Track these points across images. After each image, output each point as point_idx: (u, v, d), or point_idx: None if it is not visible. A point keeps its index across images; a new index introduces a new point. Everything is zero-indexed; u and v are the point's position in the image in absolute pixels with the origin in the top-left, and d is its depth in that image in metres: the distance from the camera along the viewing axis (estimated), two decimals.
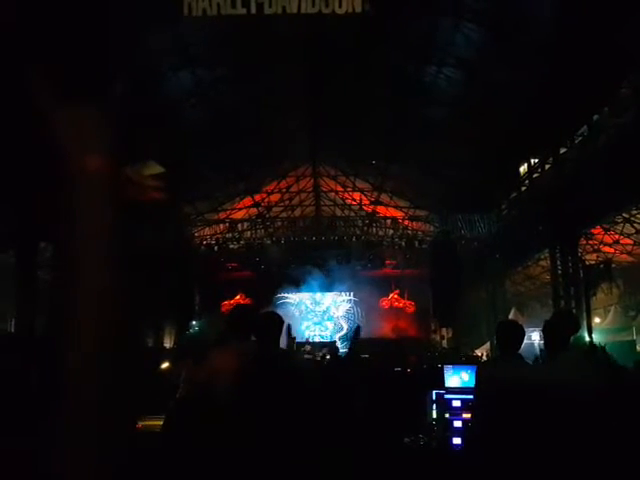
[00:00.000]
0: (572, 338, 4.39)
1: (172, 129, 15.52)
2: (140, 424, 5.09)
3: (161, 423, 4.73)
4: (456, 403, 5.81)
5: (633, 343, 17.30)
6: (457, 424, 5.71)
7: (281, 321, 4.02)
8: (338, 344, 23.43)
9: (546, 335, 4.17)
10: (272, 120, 18.39)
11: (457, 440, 5.58)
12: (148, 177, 2.05)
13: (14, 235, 13.55)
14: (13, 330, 15.85)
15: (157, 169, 2.08)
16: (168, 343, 22.11)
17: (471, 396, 4.76)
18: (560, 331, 4.18)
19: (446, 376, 6.06)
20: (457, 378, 6.01)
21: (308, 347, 19.44)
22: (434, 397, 6.05)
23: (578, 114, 13.76)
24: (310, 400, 3.48)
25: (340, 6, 9.37)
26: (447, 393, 5.96)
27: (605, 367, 4.90)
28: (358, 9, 9.39)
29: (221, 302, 23.51)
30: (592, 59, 11.29)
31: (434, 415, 6.05)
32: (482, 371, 4.30)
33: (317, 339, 23.43)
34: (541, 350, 16.91)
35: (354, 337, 18.91)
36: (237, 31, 13.07)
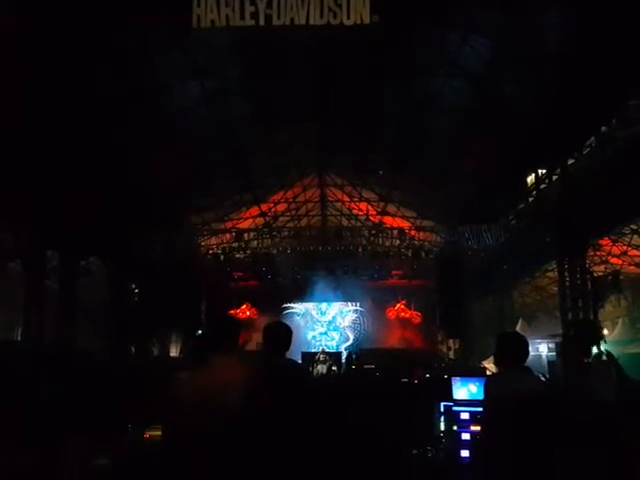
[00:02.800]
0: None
1: (180, 139, 15.60)
2: (148, 434, 5.08)
3: None
4: (464, 415, 5.76)
5: None
6: (465, 437, 5.67)
7: (289, 331, 4.01)
8: (344, 354, 23.42)
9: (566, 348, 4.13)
10: (279, 130, 18.44)
11: (465, 453, 5.54)
12: None
13: (22, 244, 13.62)
14: (20, 338, 15.91)
15: None
16: (174, 352, 22.12)
17: (479, 408, 4.72)
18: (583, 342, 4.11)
19: (454, 388, 6.02)
20: (465, 390, 5.97)
21: (322, 356, 19.63)
22: (442, 409, 6.02)
23: (586, 125, 13.73)
24: (314, 409, 3.47)
25: (348, 17, 9.38)
26: (455, 405, 5.92)
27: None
28: (366, 20, 9.40)
29: (227, 311, 23.50)
30: (600, 70, 11.28)
31: (442, 427, 6.02)
32: (490, 384, 4.26)
33: (322, 349, 23.33)
34: (549, 362, 16.86)
35: (347, 363, 19.02)
36: (245, 42, 13.15)
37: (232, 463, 3.11)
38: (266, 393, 3.34)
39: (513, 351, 4.01)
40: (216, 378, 3.54)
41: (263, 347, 3.89)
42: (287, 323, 4.17)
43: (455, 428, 5.77)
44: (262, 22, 9.34)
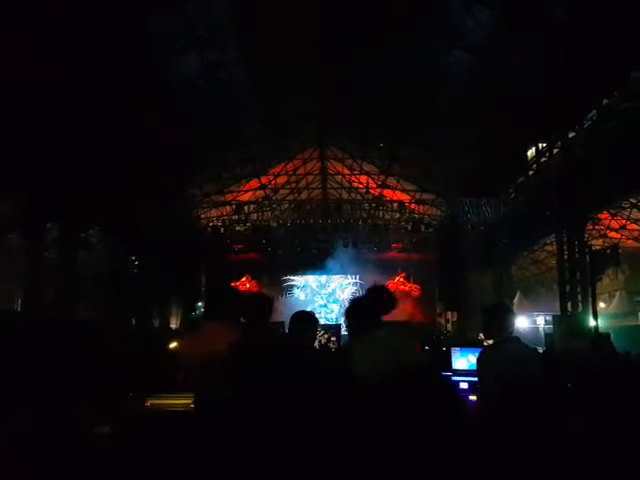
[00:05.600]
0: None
1: (180, 110, 15.49)
2: (149, 402, 5.17)
3: (169, 402, 4.83)
4: (463, 385, 5.82)
5: (638, 328, 17.30)
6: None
7: (268, 302, 4.03)
8: (343, 327, 23.57)
9: None
10: (280, 101, 18.30)
11: None
12: None
13: (22, 216, 13.62)
14: (20, 309, 16.00)
15: None
16: (174, 324, 22.27)
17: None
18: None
19: (453, 358, 6.08)
20: (464, 360, 6.03)
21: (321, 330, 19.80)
22: None
23: (588, 98, 13.64)
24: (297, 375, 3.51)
25: None
26: (454, 375, 5.97)
27: None
28: None
29: (228, 283, 23.59)
30: (603, 42, 11.16)
31: None
32: (482, 355, 4.32)
33: (322, 322, 23.47)
34: (546, 335, 16.99)
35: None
36: (247, 12, 13.01)
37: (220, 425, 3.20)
38: (237, 360, 3.41)
39: (500, 322, 4.07)
40: (203, 344, 3.66)
41: (244, 318, 3.91)
42: (286, 296, 4.22)
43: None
44: None
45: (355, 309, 3.90)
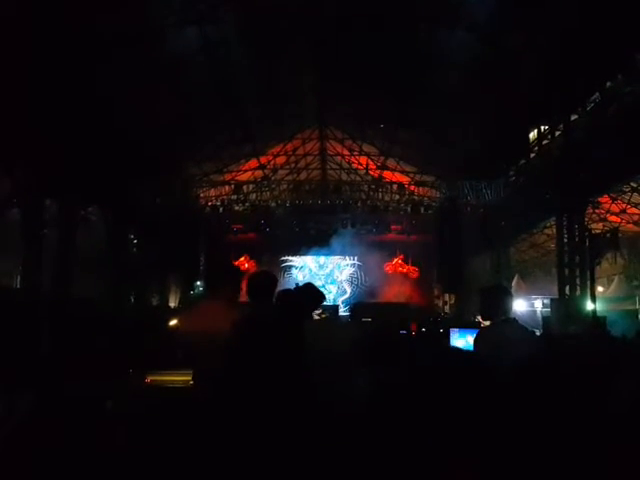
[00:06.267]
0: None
1: (179, 88, 15.36)
2: (149, 379, 5.19)
3: (169, 378, 4.85)
4: None
5: (636, 312, 17.39)
6: None
7: (269, 279, 4.01)
8: (341, 307, 23.67)
9: None
10: (280, 80, 18.15)
11: None
12: None
13: (20, 193, 13.57)
14: (19, 286, 16.01)
15: None
16: (173, 302, 22.33)
17: None
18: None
19: (452, 339, 6.14)
20: (463, 341, 6.09)
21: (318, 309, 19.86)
22: None
23: (591, 80, 13.54)
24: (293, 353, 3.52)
25: None
26: None
27: None
28: None
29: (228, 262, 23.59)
30: (607, 23, 11.06)
31: None
32: (479, 335, 4.34)
33: None
34: (543, 317, 17.03)
35: (352, 316, 19.23)
36: None
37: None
38: (239, 338, 3.41)
39: (497, 303, 4.08)
40: (203, 322, 3.67)
41: (248, 295, 3.89)
42: (284, 276, 4.20)
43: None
44: None
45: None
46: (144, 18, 12.42)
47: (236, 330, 3.42)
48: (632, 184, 17.43)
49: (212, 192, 25.07)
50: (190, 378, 4.13)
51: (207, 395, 3.49)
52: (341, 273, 27.24)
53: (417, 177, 24.69)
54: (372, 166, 25.04)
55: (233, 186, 24.39)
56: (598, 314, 13.46)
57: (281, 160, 24.91)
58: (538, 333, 11.81)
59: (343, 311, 22.70)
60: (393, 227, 25.94)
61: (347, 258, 26.95)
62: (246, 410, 3.20)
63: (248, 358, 3.34)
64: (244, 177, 24.89)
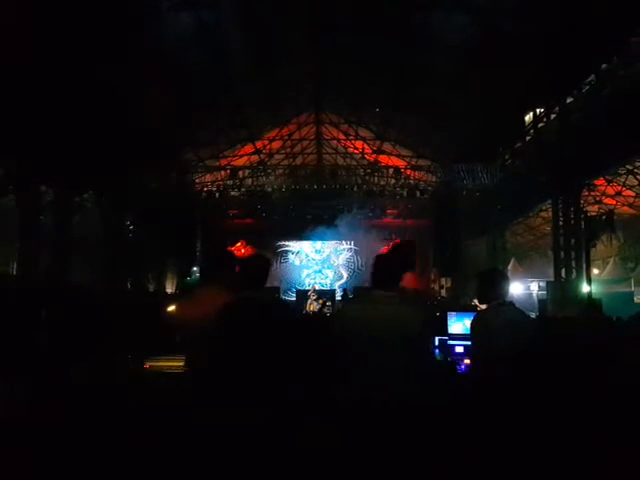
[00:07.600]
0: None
1: (174, 73, 15.25)
2: (147, 364, 5.22)
3: (167, 364, 4.87)
4: (459, 349, 5.96)
5: (631, 295, 17.49)
6: (459, 369, 5.87)
7: (262, 263, 3.99)
8: (338, 292, 23.76)
9: None
10: (275, 65, 18.04)
11: None
12: None
13: (15, 179, 13.53)
14: (15, 273, 16.00)
15: None
16: (170, 288, 22.35)
17: None
18: None
19: (449, 323, 6.18)
20: (460, 325, 6.13)
21: (313, 294, 20.03)
22: (437, 343, 6.19)
23: (586, 63, 13.50)
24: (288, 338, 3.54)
25: None
26: (450, 339, 6.09)
27: None
28: None
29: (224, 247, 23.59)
30: (603, 7, 11.01)
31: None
32: (475, 319, 4.37)
33: (317, 287, 23.62)
34: (539, 300, 17.12)
35: (343, 299, 19.20)
36: None
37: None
38: (229, 323, 3.43)
39: (494, 287, 4.11)
40: (198, 308, 3.69)
41: (240, 279, 3.87)
42: (281, 261, 4.20)
43: (449, 360, 5.97)
44: None
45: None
46: (139, 1, 12.30)
47: (219, 316, 3.44)
48: (628, 166, 17.49)
49: (208, 177, 25.01)
50: None
51: (193, 381, 3.53)
52: (338, 258, 27.27)
53: (413, 161, 24.65)
54: (368, 150, 24.98)
55: (229, 171, 24.33)
56: (594, 296, 13.53)
57: (277, 145, 24.82)
58: (534, 316, 11.87)
59: (339, 296, 22.79)
60: (389, 211, 25.97)
61: (344, 243, 26.97)
62: (228, 396, 3.24)
63: (230, 344, 3.37)
64: (240, 162, 24.80)
